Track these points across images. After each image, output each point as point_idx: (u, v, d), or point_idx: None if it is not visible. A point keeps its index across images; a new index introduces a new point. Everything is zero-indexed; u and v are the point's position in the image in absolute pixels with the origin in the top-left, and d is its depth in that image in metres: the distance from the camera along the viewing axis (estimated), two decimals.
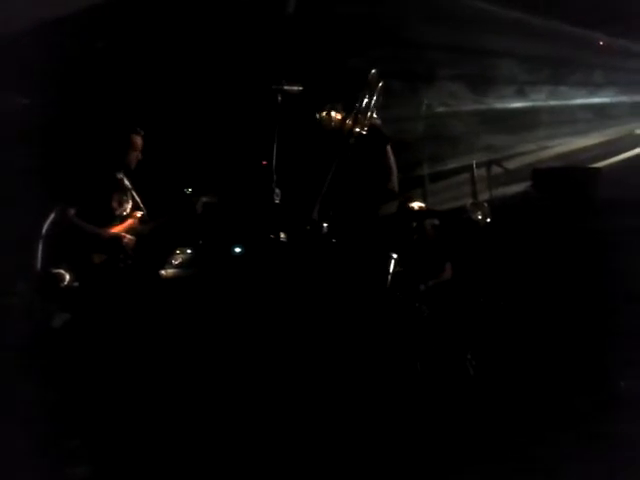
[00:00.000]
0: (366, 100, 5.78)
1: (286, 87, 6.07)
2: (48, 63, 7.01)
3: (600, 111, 9.70)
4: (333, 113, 5.93)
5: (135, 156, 6.46)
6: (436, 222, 6.89)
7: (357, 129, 5.76)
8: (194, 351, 6.05)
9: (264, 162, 6.09)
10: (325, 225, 5.70)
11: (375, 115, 5.87)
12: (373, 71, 5.88)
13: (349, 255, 5.86)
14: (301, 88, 6.08)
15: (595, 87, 9.58)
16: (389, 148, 6.06)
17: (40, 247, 6.37)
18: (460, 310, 6.39)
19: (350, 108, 5.81)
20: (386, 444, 4.89)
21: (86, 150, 6.71)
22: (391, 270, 6.24)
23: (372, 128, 5.90)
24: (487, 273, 6.79)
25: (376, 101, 5.86)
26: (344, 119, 5.87)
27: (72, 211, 6.28)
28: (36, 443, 4.79)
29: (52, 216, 6.33)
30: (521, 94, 9.46)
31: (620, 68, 9.39)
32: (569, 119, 9.59)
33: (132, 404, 5.43)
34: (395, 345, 5.97)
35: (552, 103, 9.52)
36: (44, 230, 6.39)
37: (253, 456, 4.78)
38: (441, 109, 9.02)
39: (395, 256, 6.28)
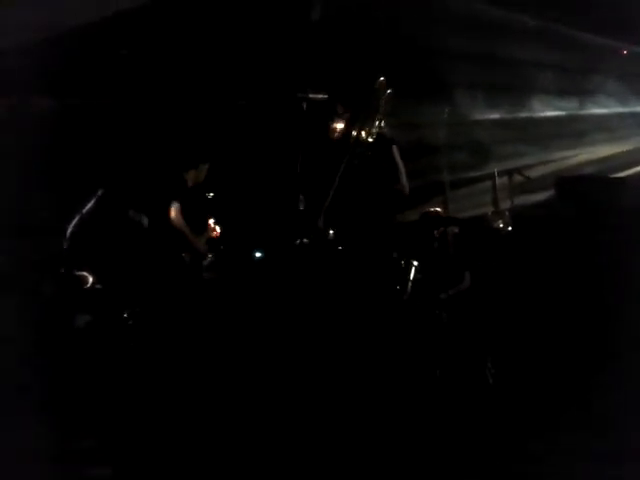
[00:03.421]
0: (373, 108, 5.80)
1: (311, 95, 6.10)
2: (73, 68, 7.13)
3: (624, 120, 9.66)
4: (338, 123, 5.95)
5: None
6: (456, 230, 6.90)
7: (364, 137, 5.79)
8: (213, 354, 6.09)
9: None
10: (331, 232, 5.73)
11: (382, 123, 5.89)
12: (381, 78, 5.88)
13: (359, 261, 5.87)
14: (326, 96, 6.11)
15: (618, 96, 9.54)
16: (395, 149, 6.05)
17: (65, 249, 6.46)
18: (480, 318, 6.40)
19: (362, 116, 5.82)
20: (402, 452, 4.88)
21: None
22: (411, 277, 6.27)
23: (379, 135, 5.91)
24: (508, 281, 6.77)
25: (384, 108, 5.87)
26: (351, 127, 5.88)
27: (179, 206, 6.50)
28: (51, 443, 4.82)
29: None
30: (544, 103, 9.45)
31: None
32: (593, 128, 9.56)
33: (151, 404, 5.47)
34: (415, 352, 5.99)
35: (576, 112, 9.50)
36: (68, 232, 6.47)
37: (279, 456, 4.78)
38: (464, 117, 9.03)
39: (416, 263, 6.31)
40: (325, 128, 5.94)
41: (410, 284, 6.22)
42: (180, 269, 6.58)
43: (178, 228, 6.54)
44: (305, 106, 6.05)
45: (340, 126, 5.90)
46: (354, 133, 5.76)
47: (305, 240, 5.80)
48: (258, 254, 6.90)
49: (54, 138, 7.12)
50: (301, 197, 5.90)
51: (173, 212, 6.54)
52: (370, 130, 5.78)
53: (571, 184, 7.61)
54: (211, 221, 6.76)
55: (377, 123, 5.82)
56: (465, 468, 4.64)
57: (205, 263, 6.73)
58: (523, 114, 9.40)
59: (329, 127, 5.93)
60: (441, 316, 6.35)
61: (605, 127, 9.63)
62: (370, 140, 5.77)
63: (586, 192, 7.28)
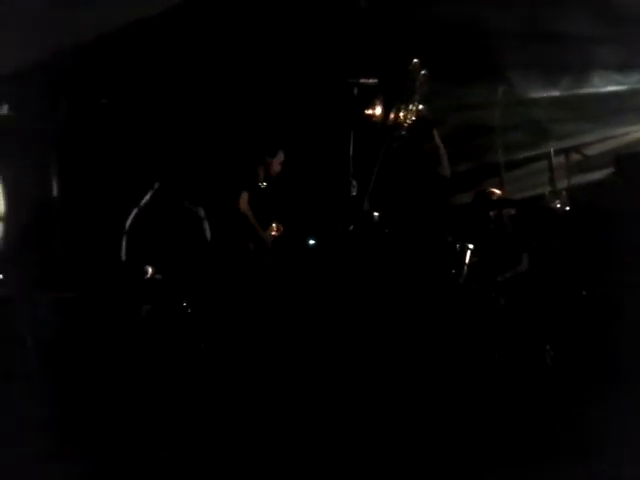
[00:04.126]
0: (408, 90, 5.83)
1: (362, 80, 6.11)
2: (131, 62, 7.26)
3: None
4: (373, 108, 5.97)
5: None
6: (512, 211, 6.82)
7: (402, 119, 5.81)
8: (273, 342, 6.17)
9: None
10: (376, 214, 5.76)
11: (421, 105, 5.91)
12: (415, 60, 5.88)
13: (406, 244, 5.89)
14: (377, 81, 6.11)
15: None
16: (435, 133, 6.06)
17: (124, 241, 6.61)
18: (538, 301, 6.32)
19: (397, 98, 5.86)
20: (461, 433, 4.87)
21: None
22: (467, 261, 6.24)
23: (419, 117, 5.93)
24: (566, 263, 6.67)
25: (420, 90, 5.89)
26: (388, 111, 5.90)
27: (247, 195, 6.67)
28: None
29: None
30: (604, 78, 9.22)
31: None
32: None
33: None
34: (472, 336, 5.97)
35: (638, 86, 9.25)
36: (127, 225, 6.62)
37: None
38: (518, 96, 8.88)
39: (471, 246, 6.28)
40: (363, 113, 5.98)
41: (466, 268, 6.21)
42: (245, 257, 6.70)
43: (246, 216, 6.68)
44: (356, 91, 6.07)
45: (375, 111, 5.92)
46: (391, 116, 5.78)
47: (355, 226, 5.84)
48: (312, 242, 6.95)
49: (113, 133, 7.26)
50: (353, 182, 5.93)
51: (242, 201, 6.68)
52: (407, 112, 5.80)
53: (630, 161, 7.45)
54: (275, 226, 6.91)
55: (414, 105, 5.83)
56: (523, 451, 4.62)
57: None
58: (582, 90, 9.19)
59: (366, 112, 5.97)
60: (498, 300, 6.30)
61: None
62: (408, 123, 5.78)
63: None
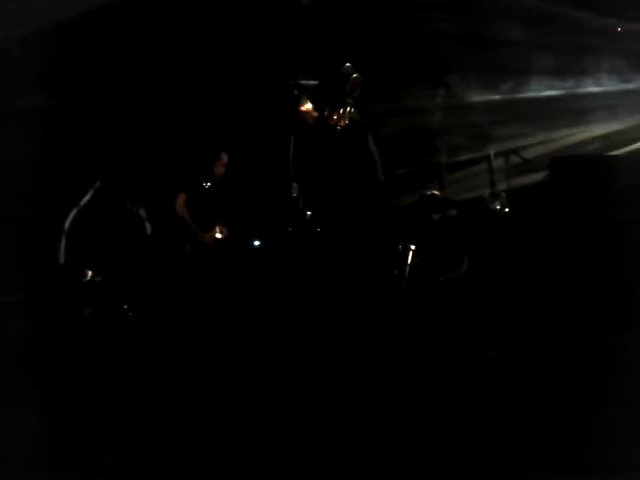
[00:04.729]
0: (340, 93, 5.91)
1: (302, 81, 6.13)
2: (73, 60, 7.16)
3: (622, 97, 9.61)
4: (308, 109, 6.05)
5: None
6: (454, 213, 6.91)
7: (334, 122, 5.88)
8: (213, 344, 6.13)
9: None
10: (309, 214, 5.81)
11: (353, 109, 5.99)
12: (347, 64, 5.97)
13: (341, 242, 5.95)
14: (317, 82, 6.14)
15: (615, 73, 9.49)
16: (371, 139, 6.14)
17: (63, 243, 6.49)
18: (478, 301, 6.41)
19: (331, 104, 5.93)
20: (402, 439, 4.87)
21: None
22: (409, 261, 6.30)
23: (352, 121, 6.01)
24: (506, 263, 6.78)
25: (353, 93, 5.97)
26: (322, 113, 5.98)
27: (184, 197, 6.59)
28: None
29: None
30: (541, 83, 9.41)
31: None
32: (591, 106, 9.51)
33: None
34: (413, 336, 6.03)
35: (573, 91, 9.45)
36: (66, 226, 6.50)
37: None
38: (459, 100, 9.01)
39: (413, 247, 6.34)
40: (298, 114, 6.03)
41: (408, 268, 6.27)
42: (181, 259, 6.63)
43: (181, 217, 6.61)
44: (296, 92, 6.09)
45: (309, 113, 5.98)
46: (323, 119, 5.85)
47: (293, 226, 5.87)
48: (256, 242, 6.93)
49: (53, 132, 7.14)
50: (294, 184, 5.94)
51: (178, 202, 6.61)
52: (339, 116, 5.87)
53: (565, 164, 7.62)
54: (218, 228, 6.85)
55: (347, 109, 5.90)
56: (464, 454, 4.65)
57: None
58: (521, 95, 9.36)
59: (300, 113, 6.02)
60: (440, 300, 6.37)
61: (603, 105, 9.57)
62: (340, 126, 5.85)
63: (581, 171, 7.28)
